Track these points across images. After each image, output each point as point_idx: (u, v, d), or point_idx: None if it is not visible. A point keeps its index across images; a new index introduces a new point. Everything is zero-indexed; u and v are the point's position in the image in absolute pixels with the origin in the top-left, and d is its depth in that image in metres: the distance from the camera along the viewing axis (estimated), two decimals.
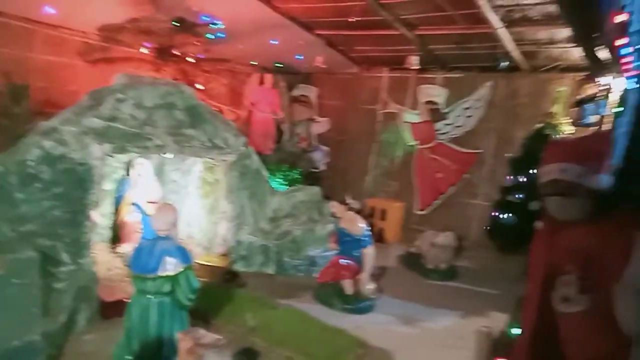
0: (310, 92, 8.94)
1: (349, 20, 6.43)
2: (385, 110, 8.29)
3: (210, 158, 5.22)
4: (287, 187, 6.66)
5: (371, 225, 5.78)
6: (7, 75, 4.77)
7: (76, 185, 3.80)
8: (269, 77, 8.05)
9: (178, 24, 6.08)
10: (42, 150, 3.73)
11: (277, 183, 6.72)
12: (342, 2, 6.28)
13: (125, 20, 5.93)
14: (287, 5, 6.68)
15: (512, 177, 6.06)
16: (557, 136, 5.95)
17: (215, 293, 4.29)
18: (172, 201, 5.46)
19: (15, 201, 3.53)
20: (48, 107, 4.73)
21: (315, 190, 5.96)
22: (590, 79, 6.16)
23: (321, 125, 8.88)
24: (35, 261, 3.02)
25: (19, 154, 3.71)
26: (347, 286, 4.63)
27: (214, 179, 5.57)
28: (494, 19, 5.74)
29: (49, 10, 5.24)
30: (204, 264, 4.90)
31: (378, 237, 6.96)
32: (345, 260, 4.72)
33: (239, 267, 5.16)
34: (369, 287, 4.76)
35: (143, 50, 6.36)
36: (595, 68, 5.92)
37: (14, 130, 4.23)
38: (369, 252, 4.75)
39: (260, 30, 6.92)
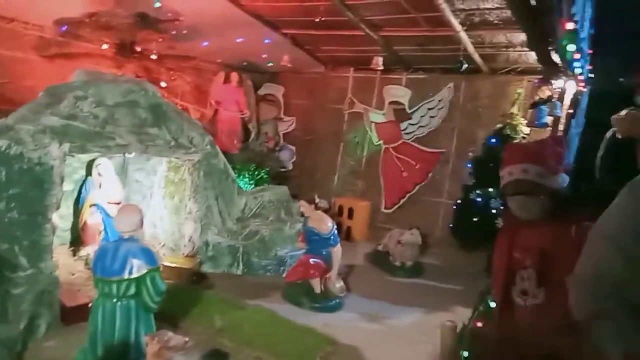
0: (277, 91, 8.92)
1: (315, 20, 6.44)
2: (351, 110, 8.36)
3: (175, 157, 5.12)
4: (255, 186, 6.63)
5: (339, 224, 5.83)
6: None
7: (34, 186, 3.66)
8: (235, 76, 7.97)
9: (141, 20, 5.92)
10: None
11: (244, 183, 6.67)
12: (308, 1, 6.29)
13: (84, 14, 5.72)
14: (253, 4, 6.63)
15: (473, 175, 6.25)
16: (516, 138, 6.18)
17: (182, 295, 4.23)
18: (136, 202, 5.34)
19: None
20: (2, 104, 4.52)
21: (283, 189, 5.95)
22: (545, 81, 6.42)
23: (288, 124, 8.88)
24: None
25: None
26: (316, 285, 4.65)
27: (179, 179, 5.47)
28: (455, 22, 5.90)
29: (7, 2, 5.01)
30: (170, 266, 4.81)
31: (345, 236, 7.04)
32: (314, 259, 4.74)
33: (206, 268, 5.10)
34: (336, 285, 4.80)
35: (103, 46, 6.18)
36: (550, 71, 6.18)
37: None
38: (337, 251, 4.79)
39: (226, 28, 6.84)
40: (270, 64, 8.20)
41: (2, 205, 3.47)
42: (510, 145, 4.21)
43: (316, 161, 8.55)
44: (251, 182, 6.84)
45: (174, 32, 6.40)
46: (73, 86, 4.46)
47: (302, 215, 4.99)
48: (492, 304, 2.27)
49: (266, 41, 7.43)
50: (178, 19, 6.15)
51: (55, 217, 3.89)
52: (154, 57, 6.47)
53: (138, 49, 6.34)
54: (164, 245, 5.47)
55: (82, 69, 4.74)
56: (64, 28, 5.77)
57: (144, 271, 2.61)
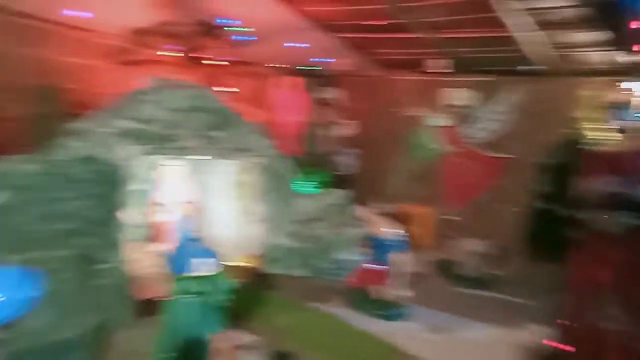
0: (336, 94, 8.86)
1: (374, 23, 6.37)
2: (412, 114, 8.16)
3: (240, 160, 5.20)
4: (316, 190, 6.58)
5: (403, 231, 5.66)
6: (37, 77, 4.79)
7: (107, 185, 3.80)
8: (295, 80, 8.02)
9: (203, 27, 6.10)
10: (75, 150, 3.74)
11: (305, 186, 6.64)
12: (366, 5, 6.21)
13: (152, 24, 5.97)
14: (312, 9, 6.65)
15: (545, 184, 5.88)
16: (593, 146, 5.76)
17: (248, 295, 4.23)
18: (204, 203, 5.45)
19: (49, 200, 3.52)
20: (77, 109, 4.73)
21: (345, 193, 5.86)
22: (614, 83, 5.99)
23: (348, 128, 8.79)
24: (71, 259, 3.01)
25: (51, 154, 3.72)
26: (378, 292, 4.52)
27: (245, 181, 5.53)
28: (517, 22, 5.61)
29: (78, 13, 5.28)
30: (236, 266, 4.84)
31: (409, 244, 6.80)
32: (376, 266, 4.60)
33: (270, 269, 5.09)
34: (400, 293, 4.63)
35: (169, 53, 6.39)
36: (620, 72, 5.75)
37: (46, 131, 4.24)
38: (401, 258, 4.63)
39: (286, 33, 6.92)
40: (328, 68, 8.18)
41: (79, 203, 3.60)
42: (592, 153, 3.91)
43: (377, 165, 8.36)
44: (312, 185, 6.81)
45: (236, 39, 6.53)
46: (142, 92, 4.62)
47: (364, 220, 4.88)
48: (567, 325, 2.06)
49: (324, 45, 7.43)
50: (241, 27, 6.27)
51: (127, 215, 4.03)
52: (217, 63, 6.63)
53: (202, 55, 6.52)
54: (230, 245, 5.52)
55: (150, 76, 4.89)
56: (135, 37, 6.02)
57: (214, 270, 2.62)
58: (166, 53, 6.38)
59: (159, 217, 5.08)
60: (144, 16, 5.84)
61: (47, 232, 3.39)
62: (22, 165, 3.50)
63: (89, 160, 3.80)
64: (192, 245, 2.66)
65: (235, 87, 7.20)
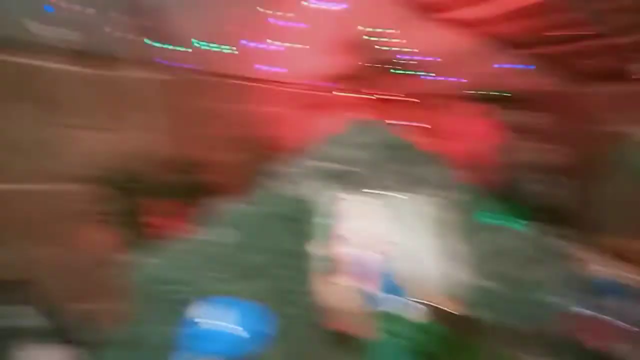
0: (530, 116, 8.13)
1: (567, 34, 5.71)
2: (619, 129, 6.97)
3: (428, 195, 5.08)
4: (518, 224, 6.03)
5: (625, 271, 4.73)
6: (243, 128, 5.55)
7: (302, 221, 4.07)
8: (480, 106, 7.63)
9: (386, 66, 6.29)
10: (275, 190, 4.12)
11: (504, 219, 6.16)
12: (559, 15, 5.61)
13: (335, 68, 6.42)
14: (498, 29, 6.30)
15: None
16: None
17: (452, 341, 3.98)
18: (398, 239, 5.44)
19: (253, 235, 3.92)
20: (277, 153, 5.28)
21: (551, 227, 5.21)
22: None
23: (548, 151, 7.94)
24: (270, 289, 3.25)
25: (257, 194, 4.16)
26: (597, 345, 3.78)
27: (440, 217, 5.36)
28: None
29: (274, 68, 6.03)
30: (438, 307, 4.66)
31: (633, 287, 5.66)
32: (593, 314, 3.88)
33: (474, 312, 4.75)
34: (623, 349, 3.79)
35: (353, 94, 6.74)
36: None
37: (251, 175, 4.82)
38: (624, 306, 3.81)
39: (467, 59, 6.69)
40: (519, 89, 7.59)
41: (281, 238, 3.93)
42: None
43: (585, 192, 7.31)
44: (510, 217, 6.27)
45: (418, 72, 6.57)
46: (332, 133, 4.89)
47: (577, 258, 4.20)
48: None
49: (513, 65, 6.94)
50: (422, 60, 6.30)
51: (318, 248, 4.25)
52: (400, 98, 6.74)
53: (385, 92, 6.70)
54: (431, 286, 5.38)
55: (339, 117, 5.17)
56: (325, 83, 6.57)
57: (414, 312, 2.54)
58: (350, 94, 6.77)
59: (346, 251, 5.24)
60: (328, 63, 6.34)
61: (253, 264, 3.76)
62: (235, 206, 4.00)
63: (287, 198, 4.15)
64: (390, 284, 2.62)
65: (419, 120, 7.20)
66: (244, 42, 5.52)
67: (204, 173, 5.02)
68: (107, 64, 4.89)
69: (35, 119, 4.74)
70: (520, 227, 5.57)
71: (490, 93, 7.85)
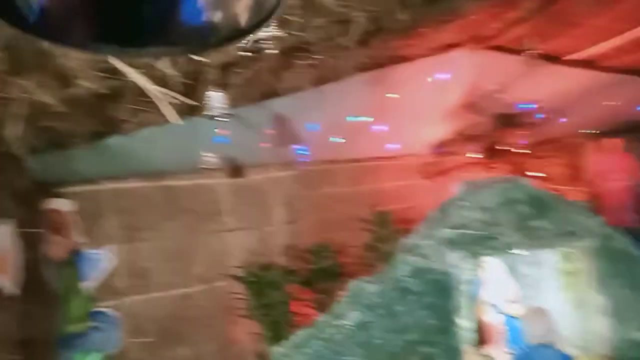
0: None
1: None
2: None
3: (566, 247, 4.79)
4: None
5: None
6: (372, 206, 5.84)
7: (441, 293, 4.12)
8: (614, 141, 7.06)
9: (503, 120, 6.26)
10: (410, 265, 4.25)
11: None
12: None
13: (452, 133, 6.52)
14: (618, 61, 5.98)
15: None
16: None
17: None
18: (528, 296, 5.15)
19: (393, 314, 4.06)
20: (405, 225, 5.45)
21: None
22: None
23: None
24: None
25: (392, 272, 4.33)
26: None
27: (575, 269, 5.00)
28: None
29: (392, 146, 6.35)
30: None
31: None
32: None
33: None
34: None
35: (472, 154, 6.74)
36: None
37: (384, 251, 5.03)
38: None
39: (590, 95, 6.38)
40: None
41: (420, 314, 4.00)
42: None
43: None
44: None
45: (533, 120, 6.41)
46: (456, 198, 4.95)
47: None
48: None
49: None
50: (536, 107, 6.18)
51: (461, 320, 4.20)
52: (520, 150, 6.58)
53: (503, 147, 6.61)
54: (572, 345, 4.93)
55: (461, 181, 5.24)
56: (439, 150, 6.71)
57: None
58: (471, 155, 6.78)
59: (488, 317, 5.06)
60: (444, 128, 6.50)
61: (396, 344, 3.87)
62: (368, 286, 4.19)
63: (422, 272, 4.24)
64: (541, 353, 2.55)
65: (549, 168, 6.91)
66: (371, 126, 5.90)
67: (339, 257, 5.35)
68: (249, 171, 5.65)
69: (191, 229, 5.60)
70: None
71: (623, 126, 7.28)
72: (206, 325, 5.38)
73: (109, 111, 4.56)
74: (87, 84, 3.82)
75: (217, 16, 0.70)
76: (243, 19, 0.70)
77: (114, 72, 3.75)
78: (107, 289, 5.04)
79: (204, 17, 0.70)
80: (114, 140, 4.92)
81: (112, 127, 4.80)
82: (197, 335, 5.31)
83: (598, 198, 6.90)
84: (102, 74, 3.79)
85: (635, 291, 4.50)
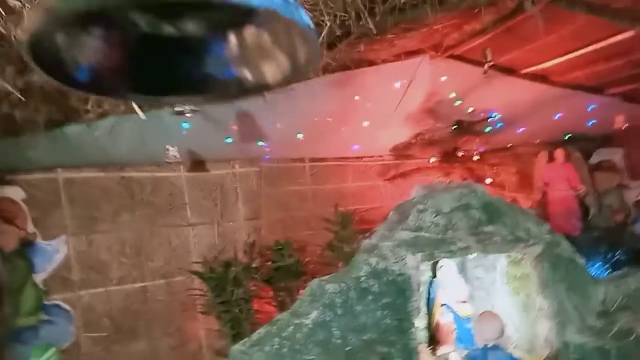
0: (614, 154, 7.85)
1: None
2: None
3: (515, 252, 5.06)
4: (612, 271, 5.76)
5: None
6: (335, 205, 5.96)
7: (399, 294, 4.26)
8: (559, 152, 7.51)
9: (460, 127, 6.50)
10: (369, 266, 4.37)
11: (596, 268, 5.90)
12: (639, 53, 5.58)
13: (412, 137, 6.73)
14: (568, 76, 6.35)
15: None
16: None
17: None
18: (480, 299, 5.42)
19: (352, 314, 4.18)
20: (366, 226, 5.60)
21: None
22: None
23: (636, 190, 7.55)
24: None
25: (353, 272, 4.44)
26: None
27: (522, 274, 5.30)
28: None
29: (355, 147, 6.47)
30: None
31: None
32: None
33: None
34: None
35: (432, 159, 6.99)
36: None
37: (345, 251, 5.15)
38: None
39: (541, 108, 6.73)
40: (600, 129, 7.43)
41: (379, 314, 4.14)
42: None
43: None
44: (605, 267, 5.99)
45: (489, 129, 6.70)
46: (414, 201, 5.11)
47: None
48: None
49: (590, 107, 6.87)
50: (491, 116, 6.45)
51: (417, 320, 4.38)
52: (475, 157, 6.87)
53: (460, 153, 6.87)
54: (516, 346, 5.25)
55: (419, 185, 5.42)
56: (399, 152, 6.91)
57: None
58: (430, 159, 7.02)
59: (442, 318, 5.29)
60: (404, 132, 6.69)
61: (355, 343, 3.99)
62: (328, 285, 4.28)
63: (381, 272, 4.37)
64: (490, 355, 2.73)
65: (502, 175, 7.25)
66: (335, 127, 5.99)
67: (301, 255, 5.43)
68: (211, 166, 5.62)
69: (151, 222, 5.52)
70: (618, 273, 5.36)
71: (570, 137, 7.74)
72: (163, 321, 5.33)
73: (69, 100, 4.41)
74: None
75: (244, 73, 0.76)
76: (271, 77, 0.76)
77: None
78: (61, 282, 4.89)
79: (231, 73, 0.75)
80: (72, 129, 4.75)
81: (71, 116, 4.64)
82: (153, 331, 5.25)
83: (545, 205, 7.34)
84: None
85: (576, 296, 4.85)
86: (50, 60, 0.66)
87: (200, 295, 5.09)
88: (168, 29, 0.66)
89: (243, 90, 0.80)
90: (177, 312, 5.44)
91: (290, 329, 4.21)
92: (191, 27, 0.69)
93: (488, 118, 6.70)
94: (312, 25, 0.68)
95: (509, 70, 6.27)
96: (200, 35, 0.71)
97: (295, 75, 0.75)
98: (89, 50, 0.70)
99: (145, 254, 5.49)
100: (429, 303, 5.67)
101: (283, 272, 5.18)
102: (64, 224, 5.08)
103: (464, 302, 5.15)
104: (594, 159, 7.89)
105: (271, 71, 0.78)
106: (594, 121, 7.21)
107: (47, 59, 0.66)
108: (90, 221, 5.27)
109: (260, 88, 0.79)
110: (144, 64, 0.71)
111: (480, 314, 3.30)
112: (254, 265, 5.18)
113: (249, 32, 0.77)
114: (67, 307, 4.74)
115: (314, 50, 0.71)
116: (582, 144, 7.83)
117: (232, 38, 0.77)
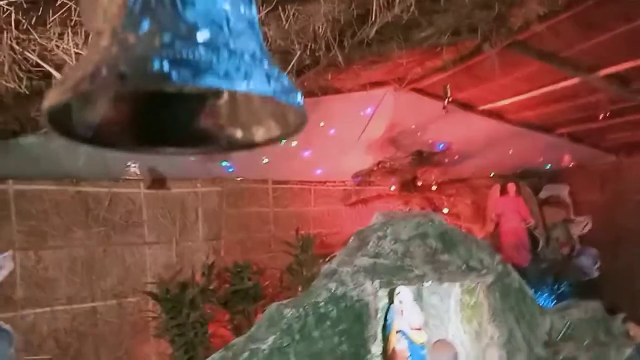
0: (561, 190, 8.30)
1: (599, 117, 6.06)
2: None
3: (468, 282, 5.22)
4: (556, 302, 6.04)
5: None
6: (296, 228, 5.98)
7: (356, 321, 4.30)
8: (511, 186, 7.87)
9: (418, 157, 6.72)
10: (329, 291, 4.39)
11: (543, 299, 6.17)
12: (583, 98, 6.00)
13: (373, 164, 6.89)
14: (521, 115, 6.72)
15: None
16: None
17: None
18: (434, 326, 5.53)
19: (309, 340, 4.18)
20: (326, 250, 5.65)
21: (595, 304, 5.23)
22: None
23: (581, 225, 7.99)
24: None
25: (312, 296, 4.44)
26: None
27: (475, 302, 5.47)
28: None
29: (318, 171, 6.56)
30: None
31: None
32: None
33: None
34: None
35: (391, 187, 7.17)
36: None
37: (305, 275, 5.15)
38: None
39: (495, 143, 7.06)
40: (550, 167, 7.87)
41: (336, 340, 4.15)
42: None
43: (628, 265, 7.25)
44: (551, 297, 6.27)
45: (446, 160, 6.97)
46: (374, 228, 5.20)
47: (628, 336, 4.25)
48: None
49: (540, 145, 7.27)
50: (449, 148, 6.72)
51: (374, 346, 4.41)
52: (433, 187, 7.10)
53: (419, 183, 7.09)
54: None
55: (379, 212, 5.53)
56: (358, 179, 7.04)
57: None
58: (390, 188, 7.19)
59: (398, 345, 5.35)
60: (366, 160, 6.85)
61: None
62: (286, 310, 4.27)
63: (339, 298, 4.40)
64: None
65: (458, 206, 7.50)
66: (299, 151, 6.06)
67: (259, 278, 5.38)
68: (169, 184, 5.53)
69: (104, 239, 5.35)
70: (563, 304, 5.61)
71: (521, 172, 8.13)
72: (112, 344, 5.12)
73: (26, 110, 4.27)
74: (6, 83, 3.59)
75: (235, 132, 0.82)
76: (260, 137, 0.82)
77: (38, 72, 3.57)
78: (3, 300, 4.63)
79: (222, 130, 0.82)
80: (27, 140, 4.59)
81: (27, 126, 4.49)
82: (102, 354, 5.03)
83: (497, 237, 7.64)
84: (23, 74, 3.58)
85: (524, 325, 5.05)
86: (66, 123, 0.72)
87: (154, 317, 4.93)
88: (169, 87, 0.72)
89: (233, 146, 0.86)
90: (128, 334, 5.24)
91: (246, 354, 4.14)
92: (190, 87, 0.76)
93: (446, 150, 6.97)
94: (302, 103, 0.77)
95: (467, 106, 6.59)
96: (197, 92, 0.78)
97: (283, 137, 0.82)
98: (98, 109, 0.76)
99: (97, 273, 5.29)
100: (385, 330, 5.74)
101: (241, 295, 5.10)
102: (11, 238, 4.83)
103: (419, 329, 5.24)
104: (543, 194, 8.32)
105: (260, 132, 0.85)
106: (542, 159, 7.64)
107: (62, 122, 0.72)
108: (40, 236, 5.05)
109: (249, 146, 0.86)
110: (143, 117, 0.78)
111: (435, 343, 3.38)
112: (211, 287, 5.08)
113: (240, 95, 0.85)
114: (7, 327, 4.47)
115: (301, 117, 0.79)
116: (532, 179, 8.26)
117: (225, 96, 0.84)
